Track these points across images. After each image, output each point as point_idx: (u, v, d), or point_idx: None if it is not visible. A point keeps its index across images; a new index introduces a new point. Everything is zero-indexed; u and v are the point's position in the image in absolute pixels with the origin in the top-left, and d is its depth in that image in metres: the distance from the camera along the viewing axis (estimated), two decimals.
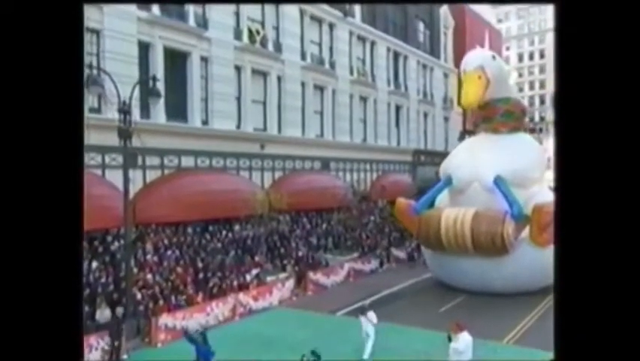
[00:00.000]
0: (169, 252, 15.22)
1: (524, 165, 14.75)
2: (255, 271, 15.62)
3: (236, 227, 18.63)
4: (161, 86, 17.30)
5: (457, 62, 27.22)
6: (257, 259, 16.76)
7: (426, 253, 17.10)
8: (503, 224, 13.49)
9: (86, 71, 11.90)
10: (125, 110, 11.77)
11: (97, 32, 15.85)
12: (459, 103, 21.60)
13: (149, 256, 14.68)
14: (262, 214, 18.64)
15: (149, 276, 13.58)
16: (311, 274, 16.64)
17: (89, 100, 15.40)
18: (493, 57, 15.27)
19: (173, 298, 12.93)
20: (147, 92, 13.47)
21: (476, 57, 15.05)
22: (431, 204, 16.22)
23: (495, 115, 15.39)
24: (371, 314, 10.39)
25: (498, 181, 14.16)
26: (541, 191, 15.09)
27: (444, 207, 15.27)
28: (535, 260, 13.81)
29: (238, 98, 20.85)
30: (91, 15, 15.57)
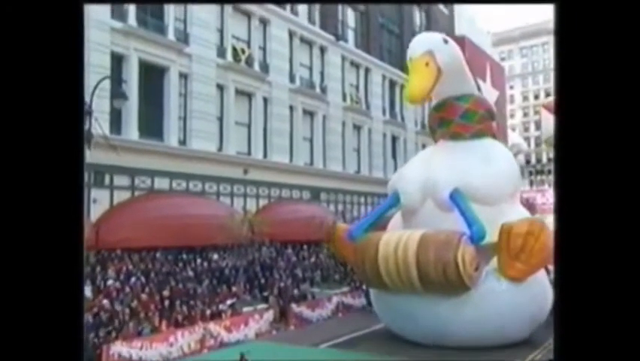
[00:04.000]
0: (133, 278, 14.35)
1: (489, 177, 11.99)
2: (229, 301, 14.70)
3: (215, 256, 17.81)
4: (134, 100, 17.06)
5: None
6: (234, 289, 15.85)
7: (372, 292, 13.84)
8: (457, 249, 10.57)
9: None
10: (86, 110, 11.30)
11: None
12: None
13: (110, 282, 13.81)
14: (243, 243, 17.86)
15: (106, 301, 12.69)
16: (294, 307, 15.69)
17: None
18: (445, 41, 12.65)
19: (132, 325, 12.02)
20: (113, 96, 13.00)
21: (423, 41, 12.50)
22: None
23: (453, 116, 12.66)
24: None
25: (455, 196, 11.55)
26: (512, 209, 12.27)
27: (386, 232, 12.58)
28: (507, 300, 11.07)
29: (220, 119, 20.50)
30: None
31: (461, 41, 39.68)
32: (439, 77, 11.88)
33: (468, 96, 13.71)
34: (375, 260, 11.44)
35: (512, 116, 70.49)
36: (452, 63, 13.14)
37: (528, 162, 69.48)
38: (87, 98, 11.88)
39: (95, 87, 11.98)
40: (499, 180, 12.50)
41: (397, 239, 11.42)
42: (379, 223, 13.15)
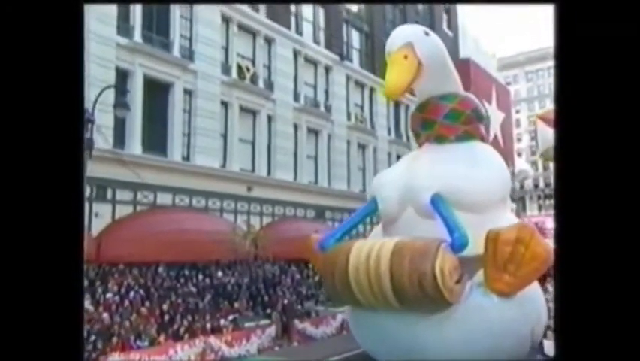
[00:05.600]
0: (132, 293, 14.19)
1: (475, 180, 11.33)
2: (231, 316, 14.47)
3: (219, 273, 17.65)
4: (138, 115, 17.20)
5: None
6: (236, 305, 15.63)
7: (346, 310, 13.64)
8: (435, 258, 9.85)
9: None
10: (87, 117, 11.35)
11: None
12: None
13: (109, 295, 13.66)
14: (246, 260, 17.71)
15: (105, 315, 12.52)
16: (297, 323, 15.41)
17: None
18: (427, 33, 11.94)
19: (131, 338, 11.83)
20: (116, 105, 13.07)
21: (402, 33, 11.64)
22: None
23: (437, 117, 11.83)
24: None
25: (436, 201, 10.24)
26: (502, 217, 11.52)
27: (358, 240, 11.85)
28: (495, 317, 10.15)
29: (224, 136, 20.58)
30: None
31: (466, 63, 40.13)
32: (419, 71, 10.78)
33: (453, 95, 12.37)
34: (345, 272, 10.43)
35: (519, 140, 70.54)
36: (434, 56, 11.82)
37: (536, 186, 69.20)
38: (89, 109, 11.99)
39: (98, 96, 12.08)
40: (487, 185, 11.10)
41: (370, 248, 10.24)
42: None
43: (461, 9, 42.51)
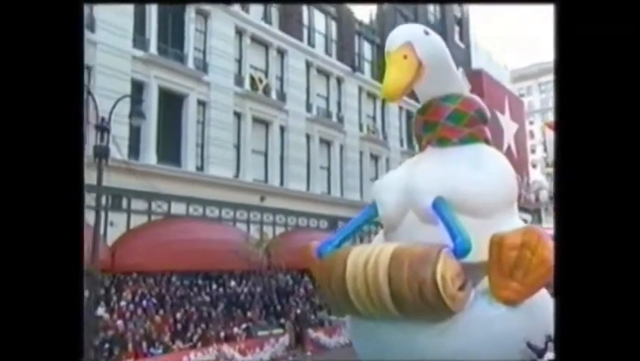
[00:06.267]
0: (145, 301, 14.30)
1: (479, 184, 10.79)
2: (245, 325, 14.49)
3: (232, 282, 17.70)
4: (153, 126, 17.46)
5: None
6: (249, 314, 15.65)
7: (347, 320, 13.17)
8: (435, 264, 9.30)
9: None
10: (103, 126, 11.57)
11: (88, 68, 16.24)
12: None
13: (123, 303, 13.78)
14: (259, 270, 17.74)
15: (120, 322, 12.63)
16: (311, 332, 15.38)
17: None
18: (427, 32, 11.41)
19: (145, 345, 11.90)
20: (132, 114, 13.27)
21: (401, 33, 11.13)
22: None
23: (439, 118, 11.28)
24: None
25: (438, 204, 10.34)
26: (509, 222, 10.97)
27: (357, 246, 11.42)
28: (501, 327, 9.62)
29: (237, 146, 20.77)
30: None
31: (478, 74, 40.14)
32: (419, 71, 10.31)
33: (456, 96, 11.75)
34: (343, 279, 10.01)
35: (533, 151, 70.03)
36: (435, 56, 11.16)
37: (552, 197, 68.48)
38: (105, 118, 12.23)
39: (114, 105, 12.30)
40: (491, 188, 10.39)
41: (368, 254, 9.72)
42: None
43: (473, 21, 42.65)
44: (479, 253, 8.87)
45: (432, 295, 8.66)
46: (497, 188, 10.67)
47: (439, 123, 11.22)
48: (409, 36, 10.71)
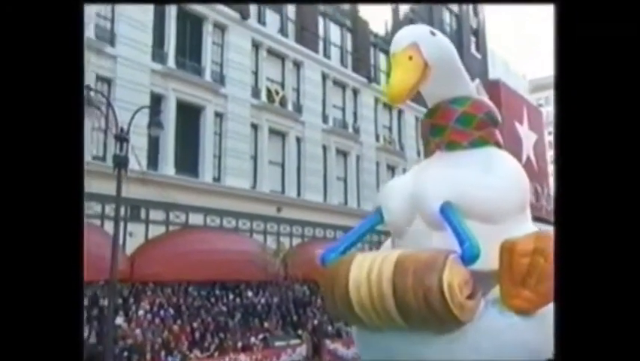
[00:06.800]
0: (163, 311, 14.40)
1: (489, 188, 10.35)
2: (262, 335, 14.49)
3: (249, 293, 17.74)
4: (171, 138, 17.72)
5: None
6: (266, 325, 15.65)
7: (352, 330, 12.76)
8: (442, 271, 8.75)
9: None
10: (122, 136, 11.78)
11: (108, 81, 16.60)
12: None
13: (141, 312, 13.90)
14: (275, 280, 17.76)
15: (138, 331, 12.74)
16: (328, 343, 15.30)
17: (93, 148, 15.75)
18: (433, 33, 11.15)
19: (163, 354, 11.97)
20: (150, 124, 13.43)
21: (407, 34, 10.91)
22: None
23: (447, 121, 11.05)
24: None
25: (446, 209, 9.83)
26: (521, 228, 10.43)
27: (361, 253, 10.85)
28: (513, 338, 9.02)
29: (254, 157, 20.93)
30: (104, 64, 16.44)
31: (496, 84, 39.89)
32: (425, 73, 10.02)
33: (464, 98, 11.44)
34: (346, 287, 9.65)
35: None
36: (442, 57, 10.89)
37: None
38: (124, 128, 12.46)
39: (133, 116, 12.52)
40: (502, 192, 10.04)
41: (372, 261, 9.49)
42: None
43: (490, 31, 42.56)
44: (490, 260, 8.71)
45: (438, 303, 8.52)
46: (508, 192, 10.42)
47: (448, 126, 11.03)
48: (415, 37, 10.65)
